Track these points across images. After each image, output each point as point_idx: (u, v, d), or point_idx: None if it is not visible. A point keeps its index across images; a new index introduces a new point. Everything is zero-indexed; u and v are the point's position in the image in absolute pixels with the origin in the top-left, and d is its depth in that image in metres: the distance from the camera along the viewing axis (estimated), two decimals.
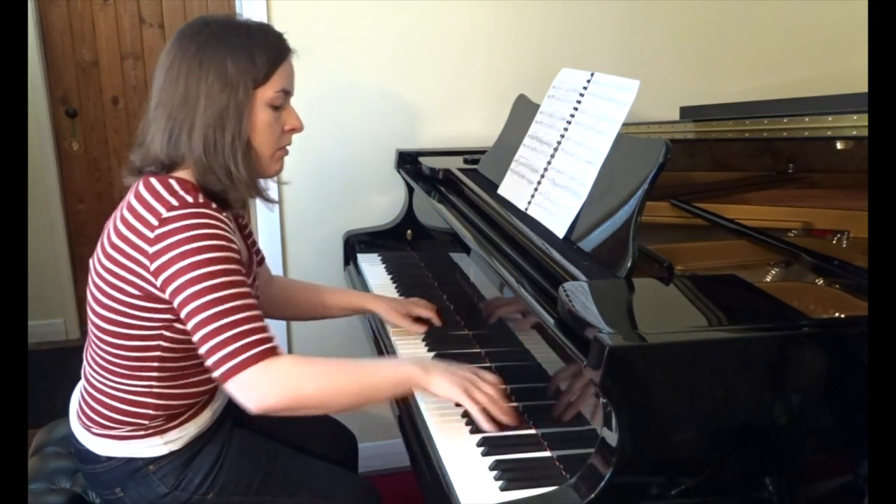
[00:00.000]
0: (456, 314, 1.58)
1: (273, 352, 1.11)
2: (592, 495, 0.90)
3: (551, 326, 1.04)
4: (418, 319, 1.53)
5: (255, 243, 1.50)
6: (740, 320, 1.01)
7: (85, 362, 1.28)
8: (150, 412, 1.22)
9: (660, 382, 0.91)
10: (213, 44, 1.16)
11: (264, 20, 1.93)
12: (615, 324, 0.92)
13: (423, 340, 1.49)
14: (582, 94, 1.37)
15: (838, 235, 1.45)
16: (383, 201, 2.16)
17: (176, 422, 1.25)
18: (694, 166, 1.86)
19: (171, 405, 1.23)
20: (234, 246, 1.13)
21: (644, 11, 2.19)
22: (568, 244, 1.22)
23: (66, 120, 3.15)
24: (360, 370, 1.16)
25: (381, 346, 1.54)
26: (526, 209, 1.38)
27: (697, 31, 2.24)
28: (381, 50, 2.06)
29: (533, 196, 1.38)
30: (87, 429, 1.26)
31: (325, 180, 2.11)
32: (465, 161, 1.86)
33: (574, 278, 1.08)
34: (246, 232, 1.46)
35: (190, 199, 1.13)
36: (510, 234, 1.34)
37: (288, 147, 1.30)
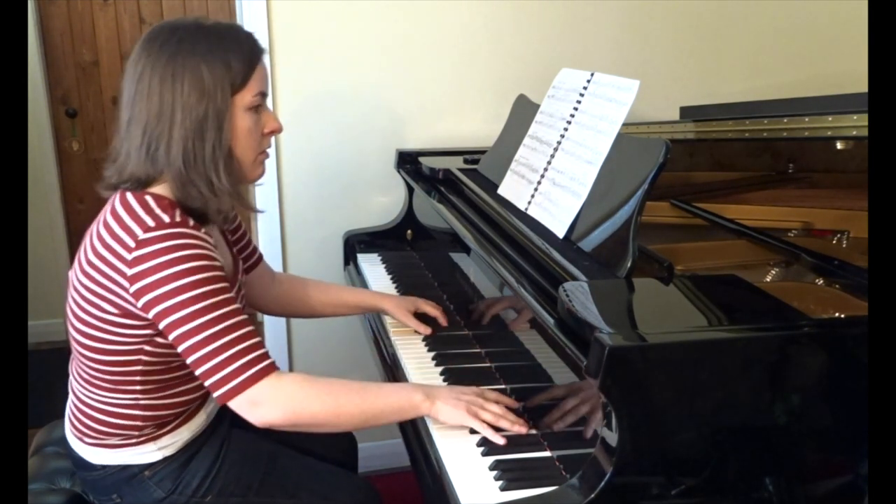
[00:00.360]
0: (456, 314, 1.58)
1: (273, 367, 1.10)
2: (592, 495, 0.90)
3: (551, 326, 1.04)
4: (425, 320, 1.52)
5: (249, 244, 1.48)
6: (740, 320, 1.01)
7: (70, 375, 1.26)
8: (139, 423, 1.20)
9: (660, 382, 0.91)
10: (184, 52, 1.11)
11: (264, 20, 1.93)
12: (615, 324, 0.92)
13: (423, 340, 1.49)
14: (582, 94, 1.37)
15: (838, 235, 1.45)
16: (383, 201, 2.15)
17: (167, 428, 1.23)
18: (694, 166, 1.86)
19: (159, 415, 1.21)
20: (216, 263, 1.11)
21: (644, 11, 2.19)
22: (568, 244, 1.21)
23: (66, 120, 3.15)
24: (366, 394, 1.15)
25: (382, 346, 1.54)
26: (526, 209, 1.38)
27: (697, 31, 2.24)
28: (382, 50, 2.06)
29: (533, 196, 1.38)
30: (80, 439, 1.25)
31: (325, 180, 2.11)
32: (465, 161, 1.86)
33: (574, 278, 1.08)
34: (237, 236, 1.44)
35: (167, 218, 1.09)
36: (510, 234, 1.34)
37: (268, 150, 1.26)
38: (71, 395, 1.27)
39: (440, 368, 1.37)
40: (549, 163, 1.38)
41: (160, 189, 1.15)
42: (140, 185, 1.15)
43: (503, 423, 1.13)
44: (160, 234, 1.07)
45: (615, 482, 0.90)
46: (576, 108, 1.37)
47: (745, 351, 0.94)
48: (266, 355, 1.10)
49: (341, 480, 1.36)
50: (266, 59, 1.21)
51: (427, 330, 1.49)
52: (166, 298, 1.06)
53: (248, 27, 1.93)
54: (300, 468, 1.35)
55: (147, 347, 1.14)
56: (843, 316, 1.10)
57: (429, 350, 1.45)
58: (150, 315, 1.08)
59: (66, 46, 3.11)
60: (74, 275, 1.16)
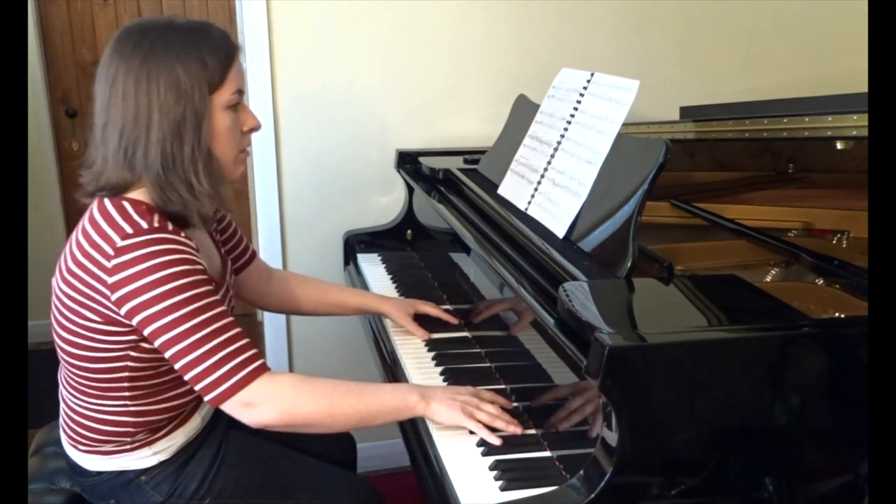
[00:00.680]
0: (456, 314, 1.58)
1: (264, 368, 1.10)
2: (592, 495, 0.90)
3: (551, 326, 1.04)
4: (425, 321, 1.52)
5: (240, 243, 1.47)
6: (740, 320, 1.01)
7: (60, 384, 1.25)
8: (130, 429, 1.19)
9: (660, 382, 0.91)
10: (158, 52, 1.08)
11: (264, 20, 1.93)
12: (615, 324, 0.92)
13: (423, 340, 1.49)
14: (582, 94, 1.37)
15: (838, 235, 1.45)
16: (383, 201, 2.16)
17: (161, 433, 1.23)
18: (694, 166, 1.86)
19: (150, 420, 1.20)
20: (198, 266, 1.10)
21: (645, 11, 2.19)
22: (568, 244, 1.21)
23: (66, 120, 3.15)
24: (361, 394, 1.15)
25: (381, 346, 1.54)
26: (526, 209, 1.38)
27: (697, 31, 2.24)
28: (382, 50, 2.06)
29: (533, 196, 1.38)
30: (74, 446, 1.24)
31: (325, 180, 2.11)
32: (465, 161, 1.86)
33: (574, 278, 1.08)
34: (226, 235, 1.43)
35: (145, 224, 1.08)
36: (510, 234, 1.34)
37: (249, 148, 1.24)
38: (62, 403, 1.26)
39: (440, 368, 1.37)
40: (549, 163, 1.38)
41: (138, 194, 1.13)
42: (117, 190, 1.13)
43: (498, 424, 1.13)
44: (139, 241, 1.06)
45: (615, 482, 0.90)
46: (576, 108, 1.37)
47: (745, 351, 0.94)
48: (256, 356, 1.10)
49: (341, 480, 1.36)
50: (248, 55, 1.19)
51: (425, 335, 1.49)
52: (149, 305, 1.05)
53: (248, 27, 1.94)
54: (299, 469, 1.34)
55: (133, 353, 1.13)
56: (843, 316, 1.10)
57: (429, 350, 1.45)
58: (135, 322, 1.07)
59: (66, 46, 3.11)
60: (56, 283, 1.15)
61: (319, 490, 1.31)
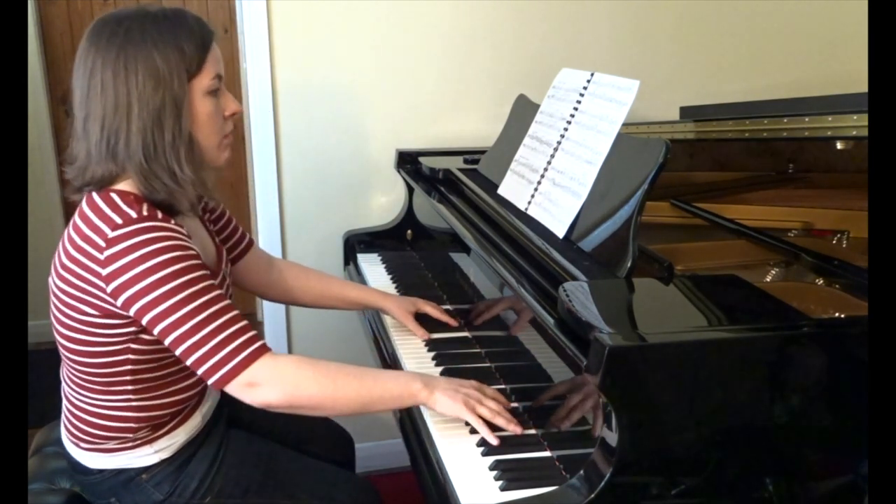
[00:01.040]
0: (456, 314, 1.58)
1: (266, 348, 1.10)
2: (592, 495, 0.90)
3: (551, 326, 1.04)
4: (424, 323, 1.52)
5: (235, 231, 1.47)
6: (740, 320, 1.01)
7: (62, 381, 1.25)
8: (132, 425, 1.19)
9: (660, 382, 0.91)
10: (134, 41, 1.08)
11: (264, 20, 1.93)
12: (615, 324, 0.92)
13: (423, 340, 1.49)
14: (582, 94, 1.37)
15: (838, 235, 1.45)
16: (383, 201, 2.15)
17: (163, 430, 1.23)
18: (694, 166, 1.86)
19: (152, 416, 1.20)
20: (191, 252, 1.09)
21: (644, 11, 2.19)
22: (568, 244, 1.21)
23: (66, 120, 3.15)
24: (364, 379, 1.15)
25: (381, 346, 1.54)
26: (526, 209, 1.38)
27: (697, 31, 2.24)
28: (382, 50, 2.06)
29: (533, 196, 1.38)
30: (76, 444, 1.24)
31: (325, 180, 2.11)
32: (465, 161, 1.86)
33: (574, 278, 1.08)
34: (220, 224, 1.43)
35: (134, 213, 1.08)
36: (510, 234, 1.34)
37: (231, 134, 1.23)
38: (64, 400, 1.26)
39: (440, 368, 1.37)
40: (549, 163, 1.38)
41: (125, 185, 1.13)
42: (103, 183, 1.13)
43: (499, 421, 1.13)
44: (129, 231, 1.06)
45: (615, 482, 0.90)
46: (576, 108, 1.37)
47: (745, 351, 0.94)
48: (257, 337, 1.10)
49: (340, 480, 1.36)
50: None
51: (425, 335, 1.49)
52: (145, 294, 1.05)
53: (248, 27, 1.94)
54: (299, 468, 1.34)
55: (133, 346, 1.14)
56: (843, 316, 1.10)
57: (429, 350, 1.45)
58: (132, 312, 1.07)
59: (66, 46, 3.11)
60: (52, 281, 1.15)
61: (319, 490, 1.31)
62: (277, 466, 1.32)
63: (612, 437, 0.91)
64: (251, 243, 1.51)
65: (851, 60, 2.28)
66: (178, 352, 1.08)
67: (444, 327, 1.52)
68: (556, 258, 1.15)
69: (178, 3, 3.14)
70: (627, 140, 1.21)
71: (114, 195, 1.11)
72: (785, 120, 1.47)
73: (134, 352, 1.14)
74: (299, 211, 2.12)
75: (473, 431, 1.14)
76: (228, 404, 1.40)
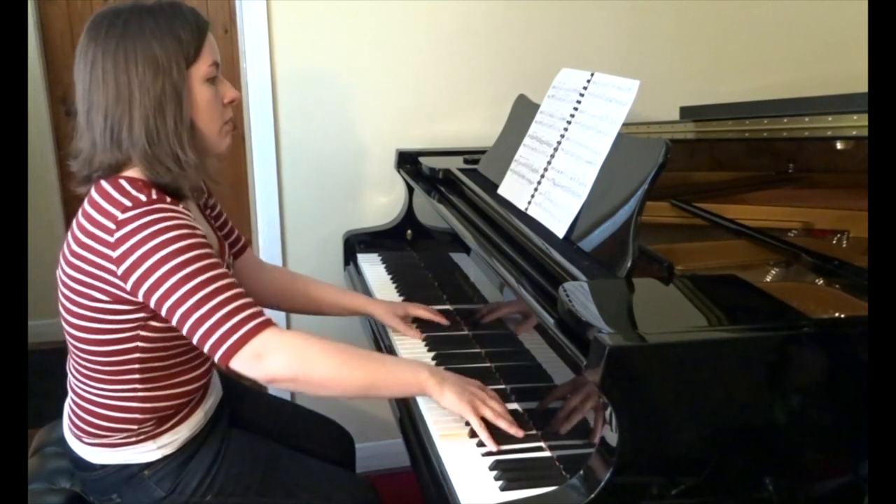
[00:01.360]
0: (456, 314, 1.58)
1: (272, 322, 1.11)
2: (592, 495, 0.90)
3: (551, 326, 1.04)
4: (420, 324, 1.52)
5: (232, 231, 1.48)
6: (740, 320, 1.01)
7: (69, 373, 1.26)
8: (138, 416, 1.20)
9: (660, 382, 0.91)
10: (132, 32, 1.11)
11: (264, 20, 1.93)
12: (615, 324, 0.92)
13: (423, 340, 1.49)
14: (582, 95, 1.37)
15: (838, 235, 1.45)
16: (383, 201, 2.15)
17: (167, 425, 1.23)
18: (694, 166, 1.86)
19: (157, 407, 1.21)
20: (199, 233, 1.11)
21: (645, 11, 2.19)
22: (568, 244, 1.21)
23: (66, 120, 3.15)
24: (373, 361, 1.15)
25: (381, 346, 1.53)
26: (526, 209, 1.38)
27: (697, 31, 2.24)
28: (382, 50, 2.06)
29: (533, 196, 1.38)
30: (79, 438, 1.25)
31: (325, 180, 2.11)
32: (465, 161, 1.86)
33: (574, 278, 1.08)
34: (220, 222, 1.45)
35: (143, 197, 1.10)
36: (510, 234, 1.34)
37: (232, 120, 1.26)
38: (70, 394, 1.28)
39: (440, 368, 1.37)
40: (549, 163, 1.38)
41: (132, 172, 1.16)
42: (111, 171, 1.15)
43: (501, 423, 1.13)
44: (139, 212, 1.09)
45: (615, 482, 0.90)
46: (576, 109, 1.37)
47: (745, 351, 0.94)
48: (260, 312, 1.11)
49: (341, 480, 1.36)
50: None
51: (417, 334, 1.49)
52: (154, 271, 1.06)
53: (248, 27, 1.94)
54: (300, 468, 1.35)
55: (143, 333, 1.15)
56: (843, 316, 1.10)
57: (429, 350, 1.45)
58: (141, 293, 1.08)
59: (66, 46, 3.10)
60: (60, 272, 1.17)
61: (319, 490, 1.32)
62: (278, 466, 1.32)
63: (612, 437, 0.91)
64: (247, 244, 1.53)
65: (851, 60, 2.28)
66: (185, 328, 1.08)
67: (444, 328, 1.52)
68: (556, 258, 1.15)
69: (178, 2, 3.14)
70: (627, 140, 1.21)
71: (123, 181, 1.13)
72: (785, 120, 1.47)
73: (143, 339, 1.16)
74: (299, 211, 2.12)
75: (474, 432, 1.15)
76: (230, 403, 1.41)
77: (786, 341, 0.94)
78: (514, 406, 1.21)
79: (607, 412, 0.91)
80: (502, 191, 1.51)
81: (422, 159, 1.91)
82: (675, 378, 0.92)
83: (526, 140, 1.50)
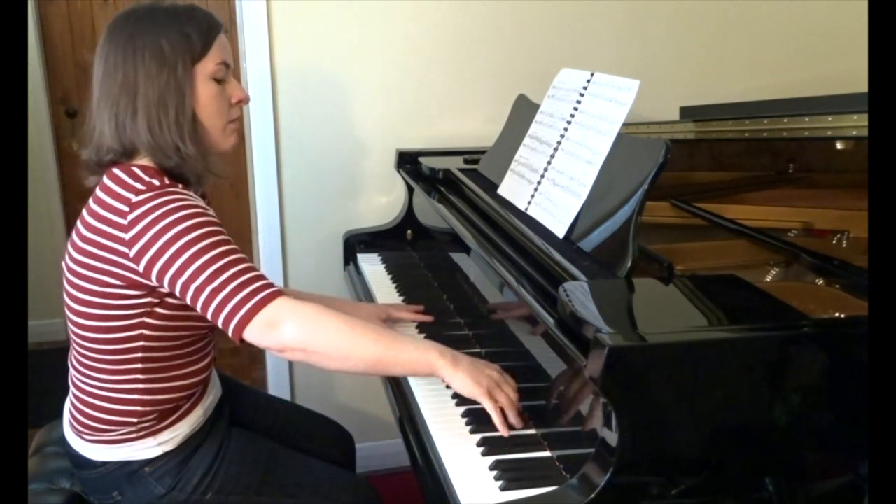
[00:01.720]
0: (456, 314, 1.58)
1: (282, 292, 1.13)
2: (592, 495, 0.90)
3: (551, 326, 1.04)
4: (421, 325, 1.52)
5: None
6: (740, 320, 1.01)
7: (70, 368, 1.27)
8: (138, 409, 1.21)
9: (660, 382, 0.91)
10: (143, 28, 1.17)
11: (264, 20, 1.93)
12: (615, 324, 0.92)
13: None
14: (582, 94, 1.37)
15: (838, 235, 1.45)
16: (383, 201, 2.16)
17: (167, 421, 1.24)
18: (694, 166, 1.86)
19: (158, 400, 1.22)
20: (210, 214, 1.15)
21: (645, 11, 2.19)
22: (568, 244, 1.21)
23: (66, 120, 3.15)
24: (384, 340, 1.15)
25: None
26: (526, 209, 1.38)
27: (697, 31, 2.24)
28: (382, 50, 2.06)
29: (533, 196, 1.38)
30: (80, 435, 1.25)
31: (325, 180, 2.11)
32: (465, 161, 1.86)
33: (574, 278, 1.08)
34: None
35: (156, 182, 1.14)
36: (510, 234, 1.34)
37: (238, 119, 1.30)
38: (71, 390, 1.28)
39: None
40: (549, 163, 1.38)
41: (144, 161, 1.19)
42: (120, 155, 1.19)
43: (510, 414, 1.13)
44: (152, 195, 1.12)
45: (615, 482, 0.90)
46: (576, 108, 1.37)
47: (745, 351, 0.94)
48: (272, 284, 1.14)
49: (341, 480, 1.37)
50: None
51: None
52: (167, 248, 1.09)
53: (248, 27, 1.94)
54: (300, 467, 1.35)
55: (148, 320, 1.17)
56: (843, 316, 1.10)
57: None
58: (154, 272, 1.11)
59: (66, 46, 3.11)
60: (67, 260, 1.19)
61: (319, 489, 1.32)
62: (278, 465, 1.33)
63: (612, 437, 0.91)
64: None
65: (851, 60, 2.28)
66: (200, 303, 1.10)
67: (444, 328, 1.52)
68: (556, 258, 1.15)
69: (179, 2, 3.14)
70: (627, 140, 1.21)
71: (135, 168, 1.17)
72: (785, 120, 1.47)
73: (148, 326, 1.17)
74: (299, 211, 2.12)
75: (474, 431, 1.15)
76: (230, 402, 1.41)
77: (786, 341, 0.94)
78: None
79: (607, 412, 0.91)
80: (502, 191, 1.51)
81: (422, 159, 1.91)
82: (675, 378, 0.92)
83: (526, 140, 1.50)
